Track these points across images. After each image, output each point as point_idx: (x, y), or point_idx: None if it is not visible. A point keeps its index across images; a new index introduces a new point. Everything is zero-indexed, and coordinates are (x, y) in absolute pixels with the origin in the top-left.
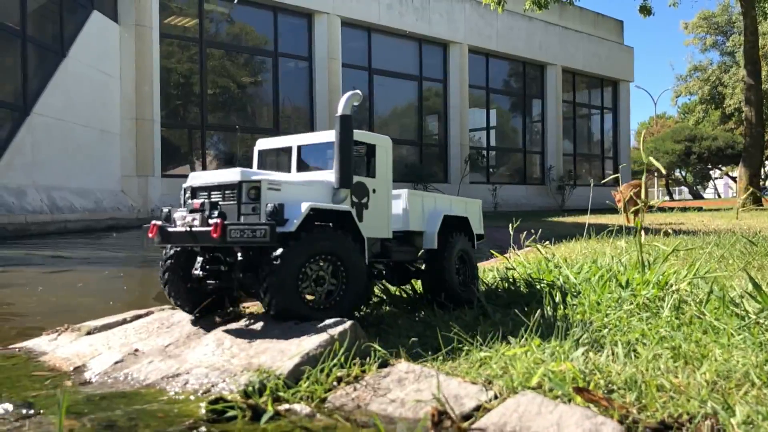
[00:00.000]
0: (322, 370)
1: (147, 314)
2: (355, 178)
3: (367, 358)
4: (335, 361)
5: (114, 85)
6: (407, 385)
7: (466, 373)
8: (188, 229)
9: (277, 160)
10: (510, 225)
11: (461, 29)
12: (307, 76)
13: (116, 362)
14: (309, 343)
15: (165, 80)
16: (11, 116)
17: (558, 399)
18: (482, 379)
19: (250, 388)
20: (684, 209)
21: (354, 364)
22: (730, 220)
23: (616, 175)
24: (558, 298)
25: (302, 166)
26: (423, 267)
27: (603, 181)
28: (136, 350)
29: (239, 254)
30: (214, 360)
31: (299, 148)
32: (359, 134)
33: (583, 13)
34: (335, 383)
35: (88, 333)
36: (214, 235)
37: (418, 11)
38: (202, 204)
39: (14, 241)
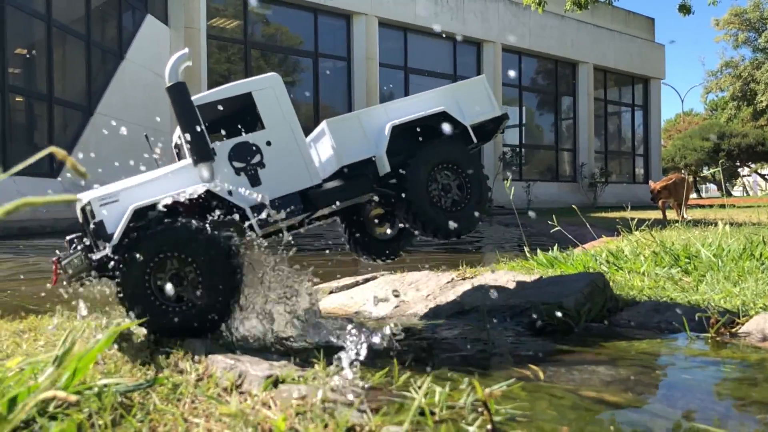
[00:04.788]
0: (600, 301)
1: (373, 278)
2: (233, 140)
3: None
4: (605, 295)
5: (164, 85)
6: (663, 312)
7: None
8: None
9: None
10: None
11: (495, 28)
12: (346, 75)
13: (395, 306)
14: (577, 285)
15: (211, 81)
16: (78, 116)
17: None
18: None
19: (551, 312)
20: (722, 206)
21: (612, 300)
22: None
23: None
24: (718, 264)
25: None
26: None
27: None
28: (402, 300)
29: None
30: (486, 301)
31: (179, 139)
32: (222, 90)
33: (614, 11)
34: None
35: (331, 292)
36: (54, 284)
37: (453, 11)
38: (71, 240)
39: None
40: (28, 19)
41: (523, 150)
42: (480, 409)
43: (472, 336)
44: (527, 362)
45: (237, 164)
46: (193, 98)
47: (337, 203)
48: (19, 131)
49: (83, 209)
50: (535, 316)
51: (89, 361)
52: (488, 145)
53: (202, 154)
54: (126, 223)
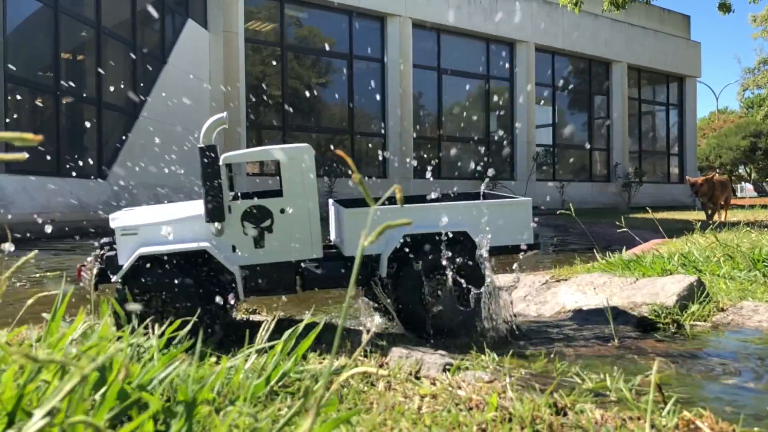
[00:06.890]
0: (700, 303)
1: None
2: (250, 201)
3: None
4: (703, 297)
5: (204, 88)
6: (762, 313)
7: None
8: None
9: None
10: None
11: (528, 28)
12: (380, 77)
13: None
14: (675, 287)
15: (248, 82)
16: (124, 119)
17: None
18: None
19: (658, 312)
20: (764, 206)
21: (711, 302)
22: None
23: None
24: None
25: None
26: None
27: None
28: None
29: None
30: (590, 301)
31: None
32: (253, 152)
33: (649, 9)
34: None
35: None
36: (78, 277)
37: (486, 11)
38: (102, 245)
39: None
40: (79, 26)
41: (555, 150)
42: (643, 393)
43: (590, 333)
44: (652, 355)
45: (247, 225)
46: (225, 155)
47: (324, 287)
48: (70, 135)
49: (114, 230)
50: (639, 315)
51: (303, 348)
52: (522, 146)
53: (215, 214)
54: (131, 264)
